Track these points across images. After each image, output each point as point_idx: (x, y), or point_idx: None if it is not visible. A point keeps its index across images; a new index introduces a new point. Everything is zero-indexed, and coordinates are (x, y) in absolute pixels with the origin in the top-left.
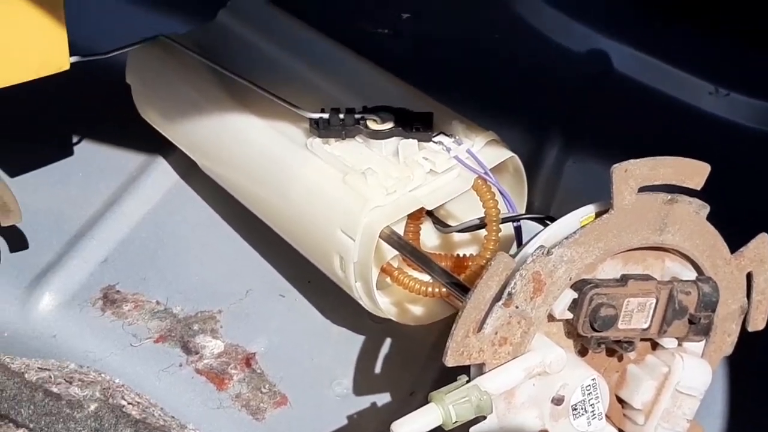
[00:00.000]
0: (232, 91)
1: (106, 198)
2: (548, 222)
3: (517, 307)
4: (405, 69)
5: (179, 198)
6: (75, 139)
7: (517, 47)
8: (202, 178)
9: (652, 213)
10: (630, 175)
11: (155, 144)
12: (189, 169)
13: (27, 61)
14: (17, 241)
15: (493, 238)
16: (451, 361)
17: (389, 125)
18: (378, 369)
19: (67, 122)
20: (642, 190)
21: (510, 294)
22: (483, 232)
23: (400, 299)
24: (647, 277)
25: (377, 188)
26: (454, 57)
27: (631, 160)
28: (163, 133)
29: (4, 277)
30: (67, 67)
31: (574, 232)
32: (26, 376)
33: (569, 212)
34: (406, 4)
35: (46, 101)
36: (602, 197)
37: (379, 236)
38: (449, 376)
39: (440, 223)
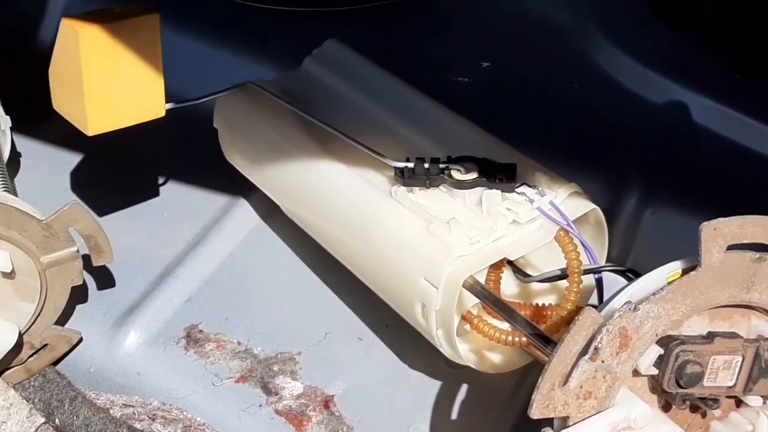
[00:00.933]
0: (317, 137)
1: (191, 238)
2: (629, 275)
3: (603, 362)
4: (484, 117)
5: (261, 239)
6: (161, 180)
7: (596, 97)
8: (283, 220)
9: (739, 271)
10: (719, 233)
11: (238, 186)
12: (270, 211)
13: (127, 109)
14: (105, 279)
15: (575, 289)
16: (536, 413)
17: (473, 175)
18: (455, 415)
19: (154, 164)
20: (730, 248)
21: (596, 349)
22: (563, 282)
23: (479, 347)
24: (733, 335)
25: (461, 238)
26: (533, 106)
27: (720, 219)
28: (248, 177)
29: (92, 314)
30: (162, 114)
31: (661, 289)
32: (111, 412)
33: (648, 263)
34: (485, 53)
35: (134, 143)
36: (681, 249)
37: (462, 285)
38: (527, 425)
39: (520, 272)
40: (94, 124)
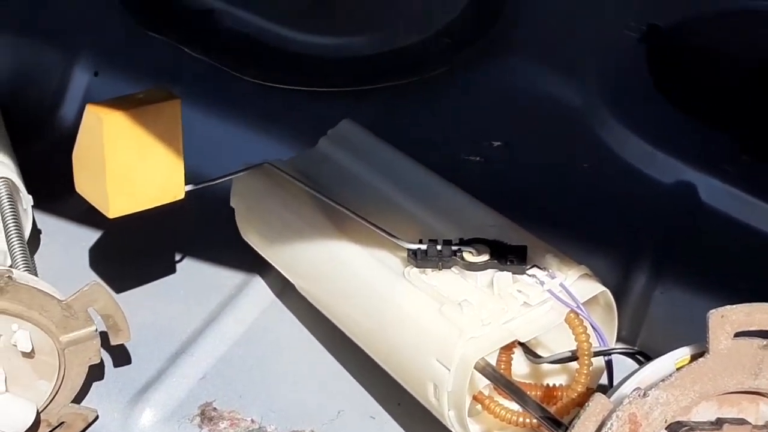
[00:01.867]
0: (332, 217)
1: (206, 315)
2: (639, 357)
3: None
4: (495, 196)
5: (275, 317)
6: (178, 258)
7: (605, 177)
8: (297, 298)
9: (747, 358)
10: (726, 320)
11: (253, 264)
12: (284, 289)
13: (147, 192)
14: (121, 356)
15: (585, 371)
16: None
17: (485, 257)
18: None
19: (171, 241)
20: (738, 335)
21: None
22: (574, 363)
23: (490, 427)
24: (742, 421)
25: (473, 320)
26: (543, 186)
27: (728, 306)
28: (263, 255)
29: (108, 391)
30: (182, 196)
31: (670, 375)
32: None
33: (657, 343)
34: (496, 133)
35: (152, 221)
36: (690, 329)
37: (474, 367)
38: None
39: (531, 353)
40: (115, 208)
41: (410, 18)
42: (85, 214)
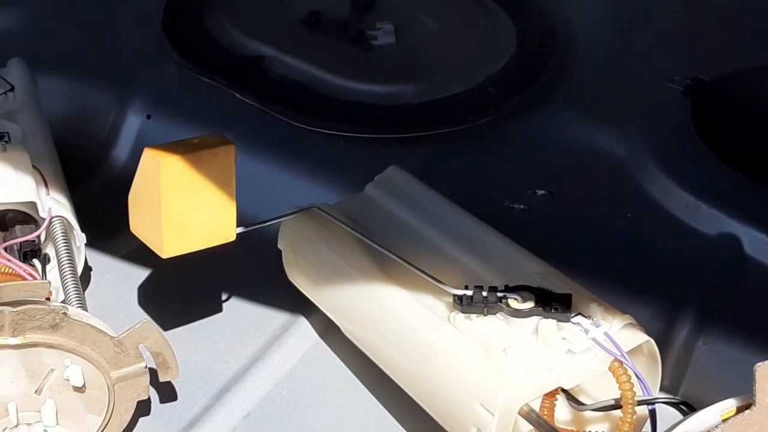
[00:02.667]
0: (378, 262)
1: (251, 354)
2: (683, 407)
3: None
4: (538, 244)
5: (319, 358)
6: (224, 297)
7: (649, 228)
8: (341, 339)
9: None
10: None
11: (298, 305)
12: (328, 331)
13: (200, 234)
14: (168, 392)
15: (629, 420)
16: None
17: (529, 305)
18: None
19: (218, 281)
20: None
21: None
22: (616, 412)
23: None
24: None
25: (517, 366)
26: (587, 235)
27: None
28: (309, 296)
29: (155, 427)
30: (233, 238)
31: (716, 427)
32: None
33: (699, 394)
34: (541, 182)
35: (200, 261)
36: (733, 381)
37: (518, 413)
38: None
39: (573, 400)
40: (168, 249)
41: (457, 68)
42: (134, 253)
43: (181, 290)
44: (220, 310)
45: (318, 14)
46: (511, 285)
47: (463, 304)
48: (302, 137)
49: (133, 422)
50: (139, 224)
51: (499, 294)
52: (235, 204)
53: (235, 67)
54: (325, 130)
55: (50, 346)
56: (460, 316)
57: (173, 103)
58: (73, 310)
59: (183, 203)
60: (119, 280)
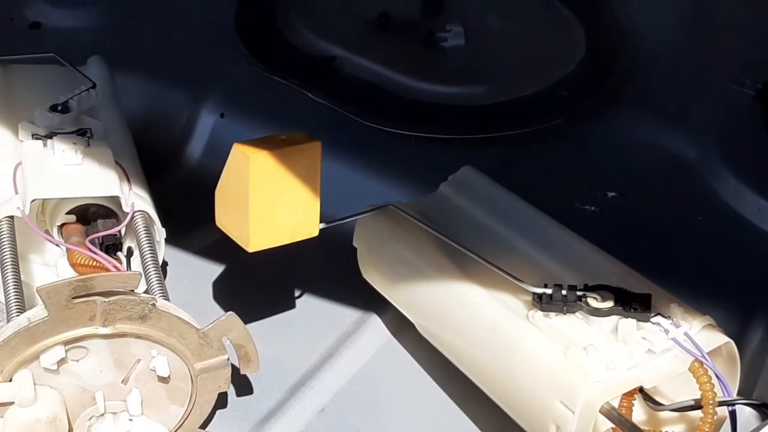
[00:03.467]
0: (454, 260)
1: (324, 351)
2: (765, 409)
3: None
4: (609, 246)
5: (391, 355)
6: (297, 294)
7: (721, 230)
8: (413, 337)
9: None
10: None
11: (370, 303)
12: (401, 328)
13: (285, 229)
14: (244, 386)
15: (710, 420)
16: None
17: (609, 304)
18: None
19: (291, 277)
20: None
21: None
22: (693, 412)
23: None
24: None
25: (598, 364)
26: (657, 236)
27: None
28: (384, 294)
29: (231, 420)
30: (316, 233)
31: None
32: None
33: None
34: (611, 183)
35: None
36: None
37: (599, 410)
38: None
39: (650, 400)
40: (255, 242)
41: (527, 70)
42: (209, 249)
43: (256, 286)
44: (293, 306)
45: (388, 16)
46: (587, 284)
47: (542, 302)
48: (373, 137)
49: (211, 414)
50: (226, 218)
51: (579, 293)
52: (319, 200)
53: (306, 67)
54: (396, 130)
55: (138, 337)
56: (539, 314)
57: (246, 102)
58: (161, 302)
59: (270, 198)
60: (195, 275)
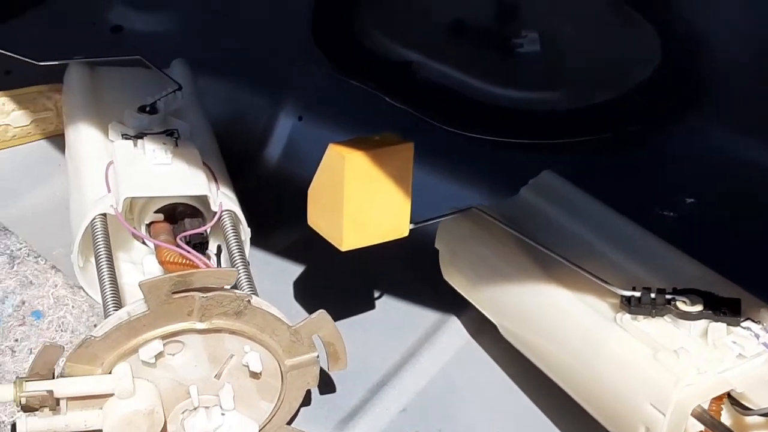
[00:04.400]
0: (538, 262)
1: (405, 351)
2: None
3: None
4: (688, 251)
5: (471, 356)
6: (377, 294)
7: None
8: (492, 339)
9: None
10: None
11: (450, 304)
12: (480, 330)
13: (377, 228)
14: (327, 385)
15: None
16: None
17: (698, 308)
18: None
19: (372, 278)
20: None
21: None
22: None
23: None
24: None
25: (689, 367)
26: (736, 243)
27: None
28: (466, 296)
29: (316, 417)
30: (406, 234)
31: None
32: None
33: None
34: (690, 190)
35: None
36: None
37: (691, 413)
38: None
39: (739, 405)
40: (348, 241)
41: (603, 77)
42: (290, 249)
43: (336, 286)
44: (373, 307)
45: (463, 22)
46: (674, 288)
47: (631, 305)
48: (450, 141)
49: (296, 411)
50: (318, 218)
51: (668, 296)
52: (410, 200)
53: (383, 71)
54: (473, 134)
55: (233, 332)
56: (626, 317)
57: (323, 105)
58: (256, 299)
59: (363, 198)
60: (275, 275)
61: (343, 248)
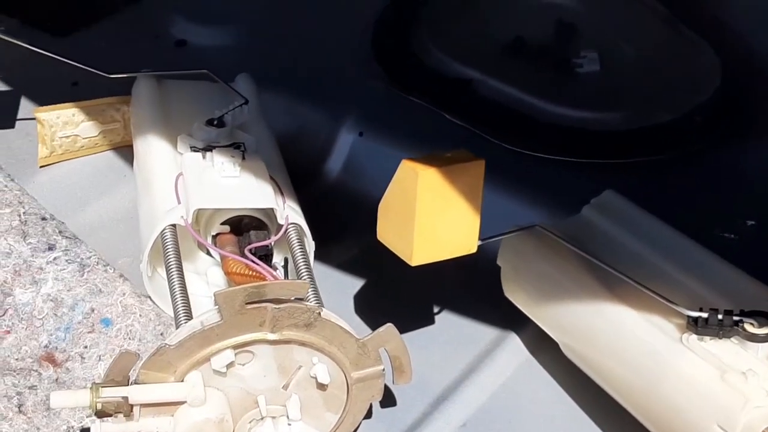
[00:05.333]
0: (602, 280)
1: (465, 366)
2: None
3: None
4: (749, 274)
5: (531, 373)
6: (437, 309)
7: None
8: (552, 356)
9: None
10: None
11: (508, 321)
12: (539, 347)
13: (446, 244)
14: (388, 398)
15: None
16: None
17: (766, 330)
18: None
19: (431, 293)
20: None
21: None
22: None
23: None
24: None
25: (758, 389)
26: None
27: None
28: (527, 313)
29: (376, 430)
30: (475, 250)
31: None
32: None
33: None
34: (750, 212)
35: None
36: None
37: None
38: None
39: None
40: (418, 256)
41: (663, 97)
42: (350, 263)
43: (396, 301)
44: (433, 322)
45: (523, 40)
46: (740, 310)
47: (698, 325)
48: (508, 158)
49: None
50: (388, 232)
51: (735, 318)
52: (479, 217)
53: (442, 88)
54: (532, 152)
55: (302, 344)
56: (693, 338)
57: (383, 121)
58: (326, 311)
59: (435, 214)
60: (336, 288)
61: (413, 263)
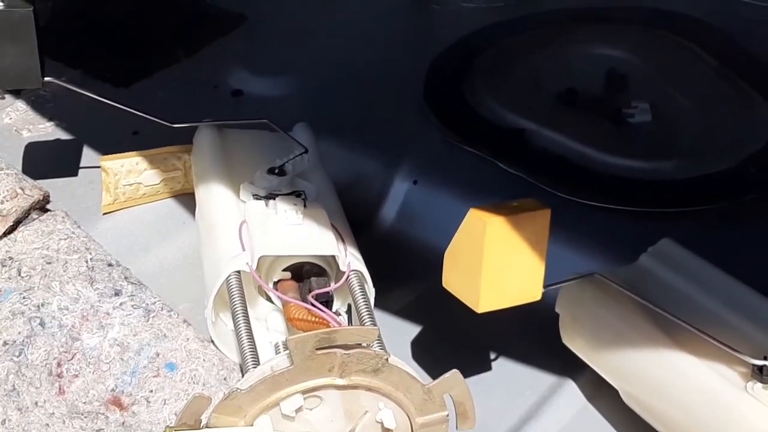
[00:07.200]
0: (662, 328)
1: (523, 413)
2: None
3: None
4: None
5: (589, 420)
6: (493, 356)
7: None
8: (609, 403)
9: None
10: None
11: (564, 368)
12: (596, 394)
13: (511, 291)
14: None
15: None
16: None
17: None
18: None
19: (488, 340)
20: None
21: None
22: None
23: None
24: None
25: None
26: None
27: None
28: (586, 360)
29: None
30: (539, 297)
31: None
32: None
33: None
34: None
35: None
36: None
37: None
38: None
39: None
40: (484, 304)
41: (716, 147)
42: (406, 309)
43: (453, 346)
44: (490, 368)
45: (575, 91)
46: None
47: (763, 374)
48: (565, 208)
49: None
50: (454, 280)
51: None
52: (544, 265)
53: (496, 138)
54: (586, 201)
55: (369, 389)
56: (758, 386)
57: (438, 170)
58: (393, 357)
59: (501, 261)
60: (394, 334)
61: (480, 310)
